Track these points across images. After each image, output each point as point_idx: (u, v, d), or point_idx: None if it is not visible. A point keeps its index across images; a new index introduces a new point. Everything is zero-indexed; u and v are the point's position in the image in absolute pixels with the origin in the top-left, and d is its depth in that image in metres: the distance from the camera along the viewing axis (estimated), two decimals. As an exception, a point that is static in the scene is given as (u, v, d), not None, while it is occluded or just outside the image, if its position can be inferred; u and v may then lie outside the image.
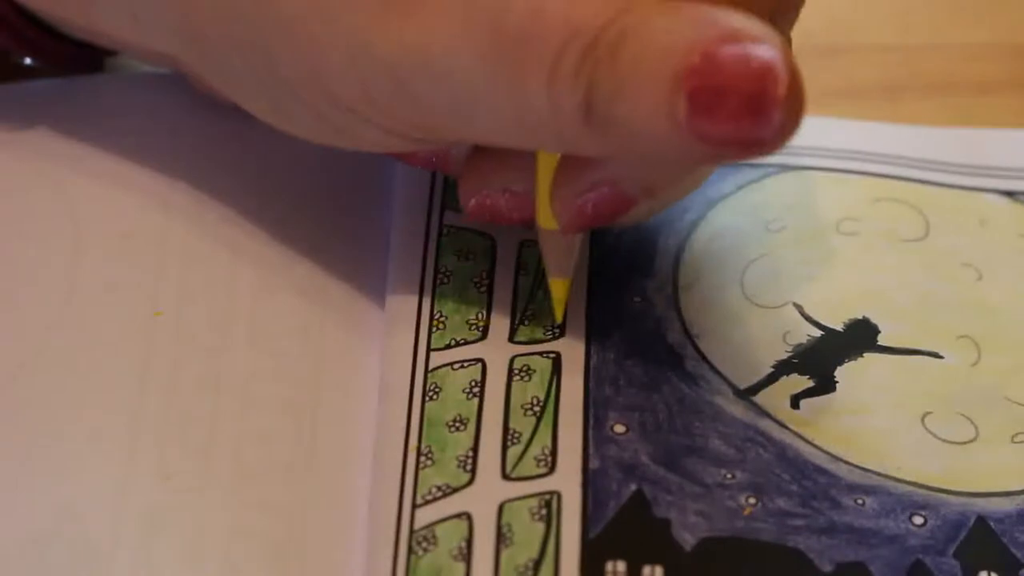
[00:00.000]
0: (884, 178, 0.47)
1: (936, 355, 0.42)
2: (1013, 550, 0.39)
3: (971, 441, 0.41)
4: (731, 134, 0.33)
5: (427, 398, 0.40)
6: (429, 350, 0.40)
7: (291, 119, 0.40)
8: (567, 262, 0.40)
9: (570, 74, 0.34)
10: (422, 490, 0.38)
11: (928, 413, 0.41)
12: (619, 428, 0.39)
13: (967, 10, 0.52)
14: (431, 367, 0.40)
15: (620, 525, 0.38)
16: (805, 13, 0.49)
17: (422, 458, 0.38)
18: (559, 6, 0.34)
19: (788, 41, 0.38)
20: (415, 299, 0.41)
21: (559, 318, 0.41)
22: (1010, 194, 0.47)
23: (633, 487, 0.38)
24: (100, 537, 0.38)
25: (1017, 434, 0.41)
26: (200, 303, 0.42)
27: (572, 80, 0.34)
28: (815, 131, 0.47)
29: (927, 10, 0.52)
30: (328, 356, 0.41)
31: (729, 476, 0.39)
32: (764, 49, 0.33)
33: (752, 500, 0.38)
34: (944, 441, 0.41)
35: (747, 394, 0.41)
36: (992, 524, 0.39)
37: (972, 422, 0.41)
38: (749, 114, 0.33)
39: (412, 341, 0.41)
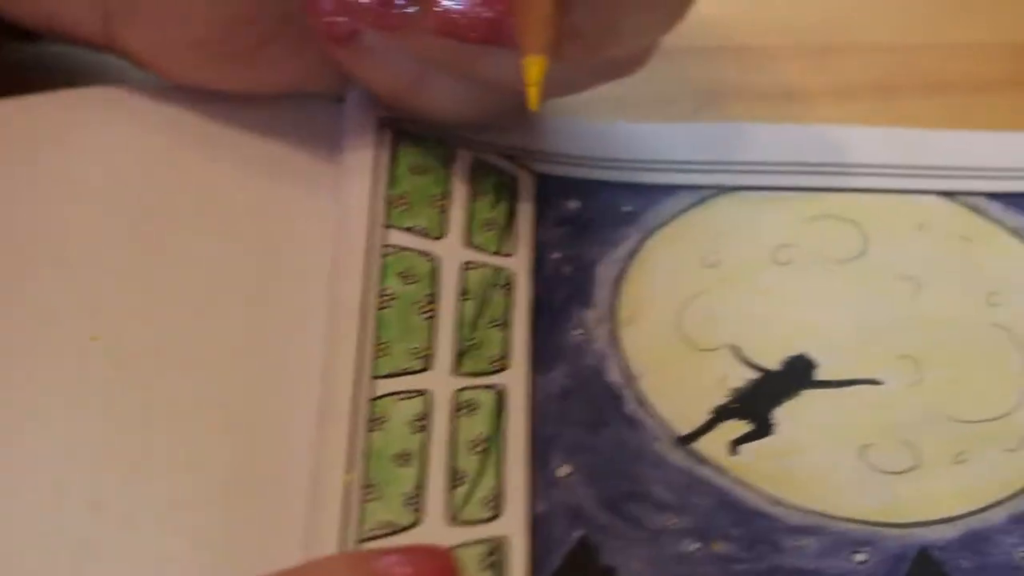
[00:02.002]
0: (821, 191, 0.46)
1: (875, 382, 0.43)
2: (956, 578, 0.39)
3: (912, 469, 0.41)
4: None
5: (371, 427, 0.39)
6: (373, 377, 0.40)
7: None
8: (543, 35, 0.39)
9: None
10: (368, 524, 0.38)
11: (868, 445, 0.41)
12: (564, 470, 0.40)
13: (964, 9, 0.52)
14: (375, 395, 0.40)
15: (567, 573, 0.38)
16: (799, 12, 0.49)
17: (367, 490, 0.38)
18: None
19: None
20: (357, 322, 0.41)
21: (535, 104, 0.39)
22: (948, 194, 0.47)
23: (579, 532, 0.39)
24: (31, 567, 0.38)
25: (959, 453, 0.41)
26: (137, 328, 0.42)
27: None
28: (753, 143, 0.47)
29: (923, 9, 0.52)
30: (266, 382, 0.41)
31: (672, 522, 0.39)
32: None
33: (695, 546, 0.39)
34: (884, 473, 0.41)
35: (686, 442, 0.41)
36: (934, 554, 0.40)
37: (913, 448, 0.42)
38: None
39: (355, 367, 0.40)
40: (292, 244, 0.44)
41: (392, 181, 0.44)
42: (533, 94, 0.39)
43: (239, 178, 0.45)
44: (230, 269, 0.43)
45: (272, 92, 0.45)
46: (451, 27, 0.40)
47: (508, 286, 0.43)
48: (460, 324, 0.42)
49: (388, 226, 0.43)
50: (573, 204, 0.45)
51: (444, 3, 0.40)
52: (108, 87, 0.46)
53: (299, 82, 0.45)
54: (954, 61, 0.50)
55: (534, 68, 0.39)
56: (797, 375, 0.43)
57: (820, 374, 0.43)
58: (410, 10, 0.40)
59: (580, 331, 0.43)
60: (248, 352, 0.42)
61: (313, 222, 0.44)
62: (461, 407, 0.40)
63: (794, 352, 0.43)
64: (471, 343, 0.41)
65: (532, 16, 0.39)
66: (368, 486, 0.39)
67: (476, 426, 0.40)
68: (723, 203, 0.46)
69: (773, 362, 0.43)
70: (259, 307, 0.43)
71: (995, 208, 0.46)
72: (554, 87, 0.40)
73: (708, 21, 0.50)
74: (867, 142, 0.47)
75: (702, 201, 0.46)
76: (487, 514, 0.39)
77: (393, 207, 0.43)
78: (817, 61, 0.48)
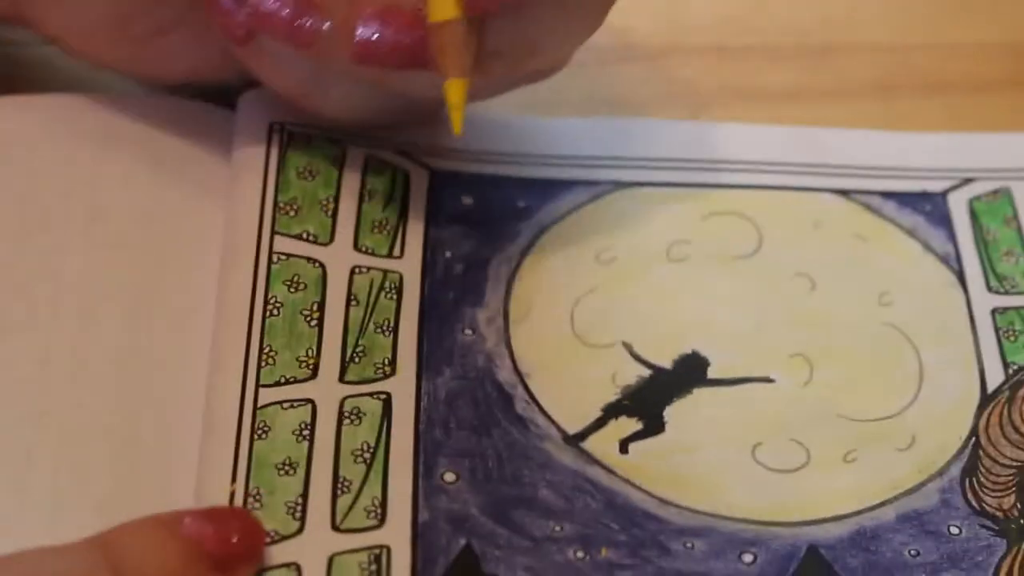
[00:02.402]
0: (717, 188, 0.46)
1: (767, 380, 0.43)
2: (844, 576, 0.39)
3: (802, 467, 0.41)
4: None
5: (256, 436, 0.39)
6: (258, 386, 0.40)
7: None
8: (464, 58, 0.40)
9: None
10: None
11: (759, 444, 0.41)
12: (449, 476, 0.40)
13: (964, 9, 0.52)
14: (260, 404, 0.40)
15: None
16: (799, 11, 0.49)
17: (250, 499, 0.38)
18: None
19: None
20: (243, 330, 0.41)
21: (458, 128, 0.40)
22: (844, 193, 0.47)
23: (463, 541, 0.39)
24: None
25: (849, 452, 0.42)
26: (21, 332, 0.41)
27: None
28: (650, 138, 0.47)
29: (922, 9, 0.52)
30: (152, 389, 0.41)
31: (558, 528, 0.39)
32: None
33: (580, 553, 0.39)
34: (775, 471, 0.41)
35: (576, 440, 0.41)
36: (823, 552, 0.40)
37: (804, 447, 0.42)
38: None
39: (240, 375, 0.40)
40: (181, 250, 0.44)
41: (281, 187, 0.43)
42: (456, 118, 0.40)
43: (130, 183, 0.44)
44: (117, 275, 0.43)
45: (173, 79, 0.45)
46: (371, 56, 0.40)
47: (397, 289, 0.42)
48: (347, 331, 0.41)
49: (276, 233, 0.43)
50: (467, 200, 0.45)
51: (361, 32, 0.40)
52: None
53: (200, 71, 0.45)
54: (954, 61, 0.51)
55: (455, 91, 0.40)
56: (689, 373, 0.43)
57: (712, 372, 0.43)
58: (323, 27, 0.40)
59: (470, 331, 0.43)
60: (134, 359, 0.41)
61: (203, 228, 0.44)
62: (346, 416, 0.40)
63: (687, 350, 0.43)
64: (358, 350, 0.41)
65: (448, 41, 0.39)
66: (252, 496, 0.38)
67: (360, 435, 0.40)
68: (619, 199, 0.46)
69: (665, 360, 0.43)
70: (146, 313, 0.42)
71: (889, 207, 0.46)
72: (471, 95, 0.40)
73: (709, 21, 0.51)
74: (763, 139, 0.47)
75: (598, 197, 0.46)
76: (371, 523, 0.38)
77: (281, 213, 0.43)
78: (817, 61, 0.49)
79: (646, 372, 0.43)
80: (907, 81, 0.50)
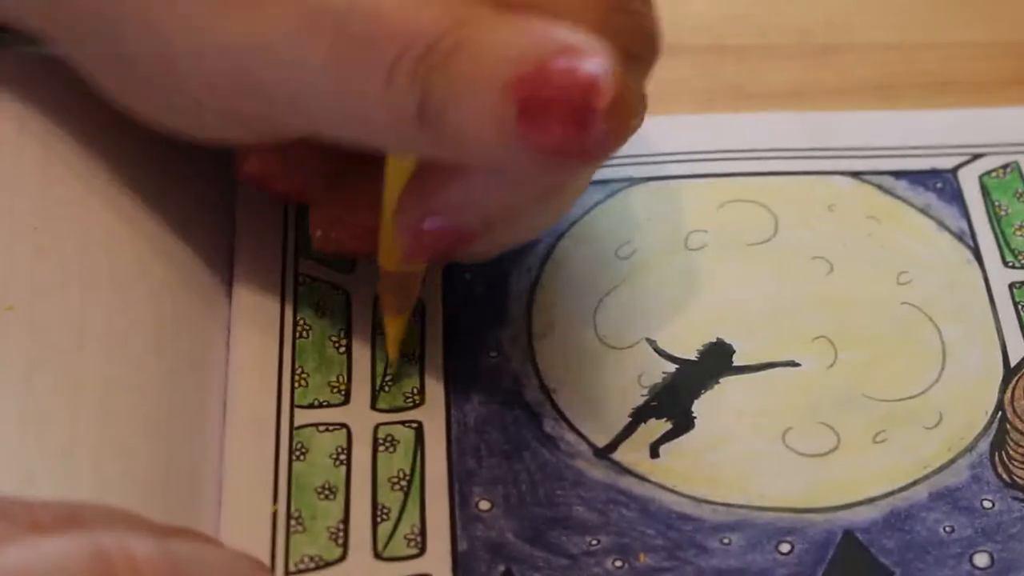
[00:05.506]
0: (730, 176, 0.47)
1: (793, 364, 0.43)
2: (881, 559, 0.40)
3: (833, 451, 0.42)
4: (556, 142, 0.35)
5: (294, 457, 0.40)
6: (293, 406, 0.41)
7: (137, 97, 0.40)
8: (404, 302, 0.42)
9: (406, 77, 0.35)
10: (294, 557, 0.39)
11: (788, 429, 0.42)
12: (484, 505, 0.40)
13: (965, 8, 0.52)
14: (296, 424, 0.41)
15: None
16: (802, 11, 0.49)
17: (292, 522, 0.39)
18: (398, 13, 0.36)
19: (642, 92, 0.39)
20: (275, 349, 0.42)
21: (392, 356, 0.42)
22: (856, 174, 0.47)
23: (502, 567, 0.39)
24: None
25: (879, 433, 0.42)
26: (53, 302, 0.40)
27: (408, 83, 0.35)
28: (660, 134, 0.47)
29: (925, 8, 0.52)
30: (182, 378, 0.41)
31: (594, 542, 0.40)
32: (592, 64, 0.34)
33: (619, 563, 0.40)
34: (806, 456, 0.42)
35: (606, 452, 0.41)
36: (859, 536, 0.40)
37: (833, 429, 0.42)
38: (573, 124, 0.34)
39: (275, 394, 0.41)
40: (196, 233, 0.43)
41: (301, 208, 0.44)
42: (392, 349, 0.42)
43: (146, 157, 0.43)
44: (142, 249, 0.42)
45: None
46: (327, 245, 0.42)
47: (420, 316, 0.43)
48: (375, 359, 0.42)
49: (299, 254, 0.44)
50: (484, 214, 0.45)
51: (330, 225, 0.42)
52: (21, 50, 0.44)
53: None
54: (955, 61, 0.50)
55: (394, 327, 0.42)
56: (715, 362, 0.43)
57: (738, 359, 0.43)
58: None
59: (495, 353, 0.43)
60: (168, 343, 0.41)
61: (214, 214, 0.44)
62: (380, 443, 0.41)
63: (711, 339, 0.44)
64: (387, 379, 0.42)
65: (390, 285, 0.41)
66: (294, 518, 0.39)
67: (396, 462, 0.40)
68: (633, 194, 0.46)
69: (690, 351, 0.43)
70: (171, 296, 0.42)
71: (901, 186, 0.46)
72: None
73: (708, 21, 0.51)
74: (772, 126, 0.47)
75: (612, 194, 0.46)
76: (411, 551, 0.39)
77: (303, 233, 0.44)
78: (818, 60, 0.48)
79: (672, 367, 0.43)
80: (909, 81, 0.50)
